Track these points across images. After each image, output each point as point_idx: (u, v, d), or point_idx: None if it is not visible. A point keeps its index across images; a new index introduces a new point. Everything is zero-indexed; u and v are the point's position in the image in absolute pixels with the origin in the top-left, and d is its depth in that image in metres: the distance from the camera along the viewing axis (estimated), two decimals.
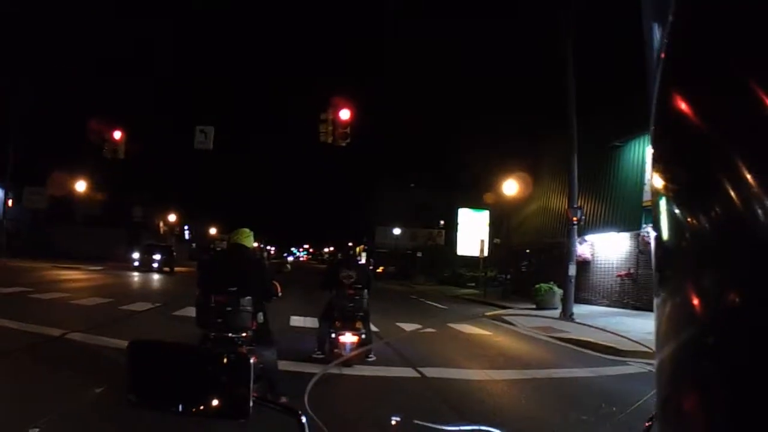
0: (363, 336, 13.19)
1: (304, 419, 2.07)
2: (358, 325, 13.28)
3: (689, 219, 0.78)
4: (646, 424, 2.22)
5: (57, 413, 8.31)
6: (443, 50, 77.86)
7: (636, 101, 30.51)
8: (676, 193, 0.82)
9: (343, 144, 31.53)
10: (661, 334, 0.82)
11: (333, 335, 13.14)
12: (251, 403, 2.00)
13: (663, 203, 0.83)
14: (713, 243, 0.74)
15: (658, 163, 0.88)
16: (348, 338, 12.96)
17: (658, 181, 0.85)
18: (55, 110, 55.25)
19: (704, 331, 0.73)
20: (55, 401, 8.86)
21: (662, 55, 0.86)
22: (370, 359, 13.20)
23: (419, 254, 77.91)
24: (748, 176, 0.68)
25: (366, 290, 13.77)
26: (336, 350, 13.00)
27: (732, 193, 0.70)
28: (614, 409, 9.21)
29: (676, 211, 0.81)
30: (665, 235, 0.83)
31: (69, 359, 12.18)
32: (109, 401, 8.77)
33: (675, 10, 0.84)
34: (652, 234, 0.88)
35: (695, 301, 0.74)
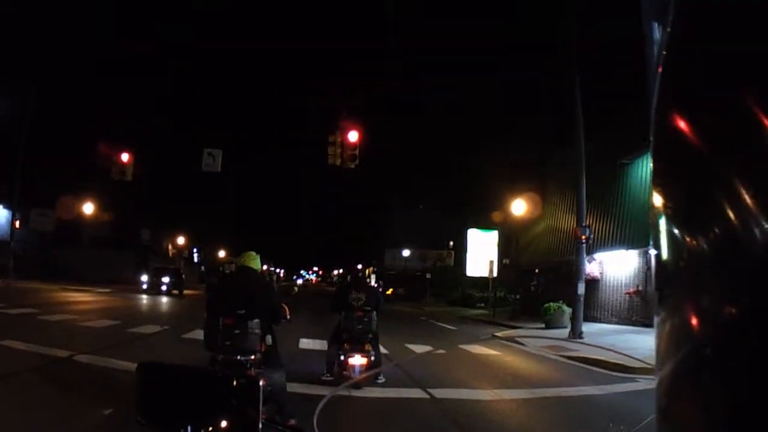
0: (372, 358, 13.16)
1: None
2: (367, 347, 13.26)
3: (688, 238, 0.78)
4: None
5: None
6: (450, 72, 78.19)
7: (643, 118, 30.55)
8: (674, 211, 0.83)
9: (352, 166, 31.62)
10: (661, 352, 0.82)
11: (342, 357, 13.12)
12: (260, 426, 1.98)
13: (662, 222, 0.83)
14: (711, 262, 0.74)
15: (658, 181, 0.88)
16: (357, 360, 12.97)
17: (657, 200, 0.85)
18: (62, 132, 55.45)
19: (703, 345, 0.74)
20: (63, 423, 8.89)
21: (659, 69, 0.86)
22: (379, 381, 13.16)
23: (428, 276, 77.82)
24: (746, 196, 0.69)
25: (375, 312, 13.74)
26: (345, 372, 13.02)
27: (730, 213, 0.70)
28: (622, 428, 9.19)
29: (675, 230, 0.81)
30: (664, 254, 0.83)
31: (77, 381, 12.21)
32: (117, 423, 8.76)
33: (672, 23, 0.84)
34: (652, 253, 0.88)
35: (694, 320, 0.75)
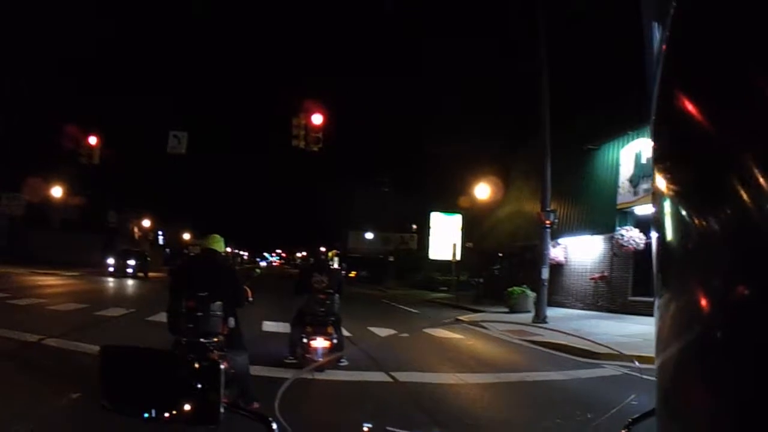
0: (335, 341, 13.28)
1: (274, 426, 2.05)
2: (330, 330, 13.45)
3: (696, 219, 0.76)
4: (623, 431, 2.21)
5: (34, 419, 8.30)
6: (415, 53, 77.71)
7: (610, 105, 30.68)
8: (681, 193, 0.81)
9: (315, 149, 31.56)
10: (665, 334, 0.82)
11: (305, 340, 13.19)
12: (221, 410, 1.99)
13: (667, 204, 0.81)
14: (722, 243, 0.72)
15: (661, 163, 0.86)
16: (320, 343, 13.11)
17: (660, 182, 0.84)
18: (30, 116, 54.86)
19: (712, 327, 0.73)
20: (32, 407, 8.88)
21: (663, 48, 0.84)
22: (342, 364, 13.13)
23: (391, 258, 77.76)
24: (758, 174, 0.66)
25: (337, 295, 13.89)
26: (308, 355, 13.09)
27: (741, 192, 0.68)
28: (589, 415, 9.24)
29: (683, 212, 0.79)
30: (670, 236, 0.81)
31: (46, 365, 12.31)
32: (84, 407, 8.75)
33: (677, 1, 0.83)
34: (654, 235, 0.86)
35: (703, 301, 0.74)
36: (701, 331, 0.74)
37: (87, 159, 35.57)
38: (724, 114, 0.74)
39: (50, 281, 37.59)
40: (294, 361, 13.31)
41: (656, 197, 0.85)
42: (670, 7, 0.83)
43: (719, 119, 0.74)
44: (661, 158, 0.86)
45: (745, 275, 0.69)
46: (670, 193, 0.81)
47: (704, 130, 0.75)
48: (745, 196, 0.68)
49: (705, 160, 0.76)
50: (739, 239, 0.70)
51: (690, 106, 0.77)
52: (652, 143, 0.89)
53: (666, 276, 0.84)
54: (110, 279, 47.27)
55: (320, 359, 12.65)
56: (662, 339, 0.82)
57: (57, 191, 59.85)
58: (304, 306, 13.78)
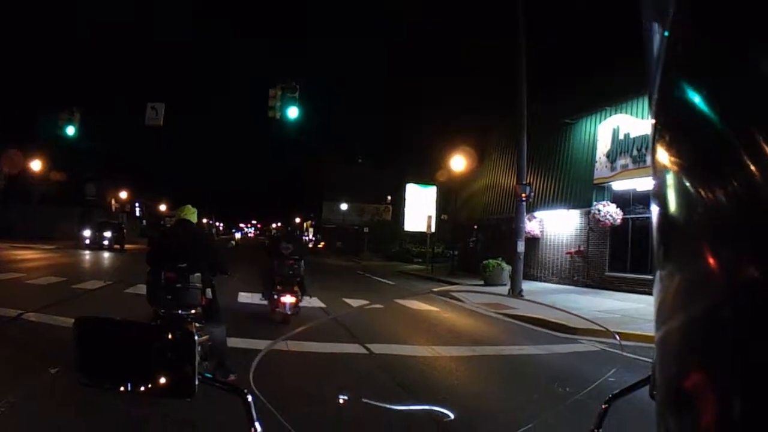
0: (300, 298, 16.37)
1: (249, 398, 2.02)
2: (296, 288, 16.31)
3: (702, 192, 0.72)
4: (603, 407, 2.21)
5: (16, 394, 8.27)
6: (392, 23, 77.56)
7: (588, 79, 30.64)
8: (685, 167, 0.78)
9: (291, 119, 31.56)
10: (666, 309, 0.78)
11: (275, 296, 16.12)
12: (196, 382, 1.95)
13: (670, 178, 0.79)
14: (730, 214, 0.69)
15: (663, 136, 0.83)
16: (288, 299, 15.88)
17: (663, 156, 0.81)
18: (7, 87, 54.51)
19: (720, 304, 0.69)
20: (12, 382, 8.82)
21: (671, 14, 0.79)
22: (301, 305, 16.11)
23: (366, 230, 77.85)
24: (765, 146, 0.64)
25: (302, 260, 17.04)
26: (277, 309, 16.06)
27: (749, 164, 0.65)
28: (567, 389, 9.22)
29: (687, 184, 0.75)
30: (673, 209, 0.78)
31: (26, 339, 12.28)
32: (64, 381, 8.73)
33: None
34: (655, 209, 0.83)
35: (709, 274, 0.70)
36: (705, 304, 0.72)
37: (66, 131, 35.38)
38: (729, 87, 0.72)
39: (28, 255, 37.80)
40: (266, 303, 16.69)
41: (658, 171, 0.82)
42: None
43: (729, 90, 0.72)
44: (664, 132, 0.83)
45: (754, 248, 0.66)
46: (673, 167, 0.79)
47: (709, 104, 0.73)
48: (754, 169, 0.65)
49: (711, 133, 0.72)
50: (748, 212, 0.67)
51: (697, 78, 0.75)
52: (653, 120, 0.86)
53: (668, 249, 0.82)
54: (87, 252, 47.59)
55: (288, 312, 15.70)
56: (663, 313, 0.80)
57: (36, 164, 59.60)
58: (275, 269, 16.49)
